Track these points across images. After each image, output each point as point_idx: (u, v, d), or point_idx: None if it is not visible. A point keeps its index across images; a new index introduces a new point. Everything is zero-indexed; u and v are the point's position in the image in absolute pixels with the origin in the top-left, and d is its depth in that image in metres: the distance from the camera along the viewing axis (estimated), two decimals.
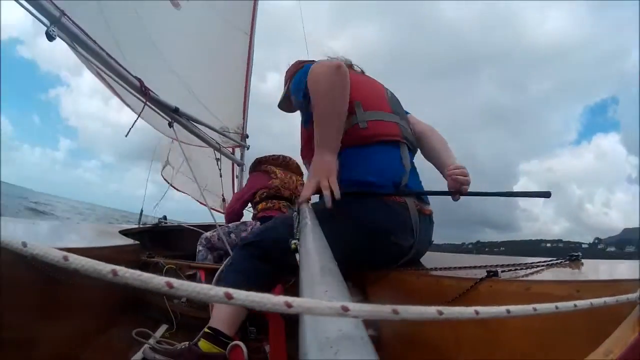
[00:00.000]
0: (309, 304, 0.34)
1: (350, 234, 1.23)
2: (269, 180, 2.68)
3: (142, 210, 3.68)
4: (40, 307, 1.20)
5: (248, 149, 4.05)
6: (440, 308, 0.37)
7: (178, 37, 2.97)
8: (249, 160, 3.97)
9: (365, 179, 1.28)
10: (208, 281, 2.38)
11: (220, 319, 1.28)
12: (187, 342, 1.30)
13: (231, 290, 0.34)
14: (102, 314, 1.67)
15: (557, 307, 0.48)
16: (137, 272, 0.32)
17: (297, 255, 0.74)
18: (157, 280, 0.32)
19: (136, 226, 3.28)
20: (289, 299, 0.35)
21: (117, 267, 0.32)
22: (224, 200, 4.17)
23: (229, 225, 2.71)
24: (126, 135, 2.20)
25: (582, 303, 0.51)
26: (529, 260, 1.15)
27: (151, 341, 1.52)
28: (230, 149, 3.93)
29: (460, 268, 1.19)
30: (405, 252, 1.36)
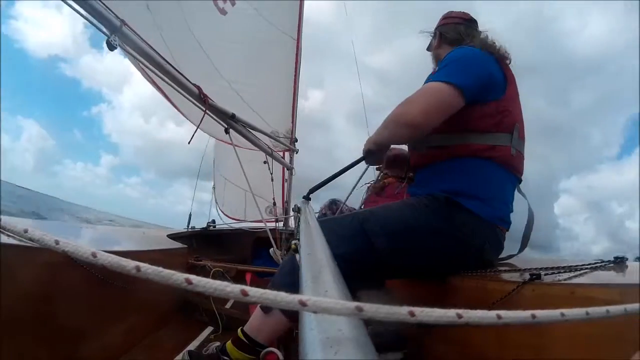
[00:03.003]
0: (324, 304, 0.35)
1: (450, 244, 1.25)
2: None
3: (190, 214, 3.83)
4: (89, 307, 1.27)
5: (297, 152, 4.08)
6: (460, 311, 0.35)
7: (226, 43, 3.01)
8: (297, 164, 4.00)
9: (492, 204, 1.27)
10: (255, 283, 2.45)
11: (253, 324, 1.24)
12: (219, 344, 1.29)
13: (247, 288, 0.35)
14: (153, 316, 1.74)
15: (608, 312, 0.46)
16: (159, 269, 0.34)
17: (297, 256, 0.75)
18: (176, 277, 0.34)
19: (185, 230, 3.41)
20: (304, 297, 0.35)
21: (141, 264, 0.34)
22: (275, 204, 4.24)
23: None
24: (189, 142, 2.34)
25: (632, 307, 0.48)
26: (573, 262, 1.09)
27: (195, 343, 1.58)
28: (280, 153, 3.99)
29: (505, 271, 1.16)
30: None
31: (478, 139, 1.26)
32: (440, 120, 1.20)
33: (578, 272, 0.98)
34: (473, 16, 1.52)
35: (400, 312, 0.35)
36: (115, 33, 1.51)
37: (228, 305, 2.11)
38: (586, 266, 1.02)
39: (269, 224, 2.99)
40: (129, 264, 0.33)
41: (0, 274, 0.89)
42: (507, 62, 1.36)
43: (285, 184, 4.24)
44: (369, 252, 1.20)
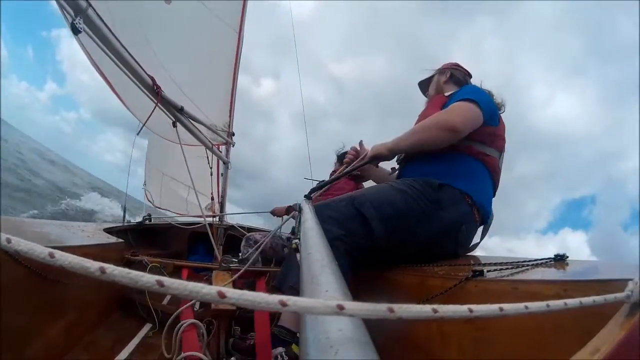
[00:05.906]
0: (304, 303, 0.34)
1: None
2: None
3: (125, 208, 3.65)
4: (30, 305, 1.20)
5: (233, 146, 4.01)
6: (435, 306, 0.36)
7: (168, 32, 2.86)
8: (233, 159, 3.95)
9: (476, 189, 1.46)
10: (192, 279, 2.39)
11: (284, 317, 1.33)
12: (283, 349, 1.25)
13: (224, 289, 0.33)
14: (92, 313, 1.69)
15: (548, 306, 0.48)
16: (126, 270, 0.31)
17: (297, 255, 0.73)
18: (147, 279, 0.31)
19: (120, 224, 3.26)
20: (284, 297, 0.34)
21: (105, 265, 0.31)
22: (213, 199, 4.12)
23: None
24: (137, 134, 2.23)
25: (572, 302, 0.50)
26: (516, 259, 1.12)
27: (135, 341, 1.58)
28: (216, 147, 3.88)
29: (450, 266, 1.17)
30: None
31: (477, 145, 1.50)
32: (471, 130, 1.43)
33: (521, 269, 1.00)
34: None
35: (380, 309, 0.35)
36: (80, 15, 1.33)
37: (165, 302, 2.08)
38: (529, 263, 1.05)
39: (207, 219, 2.94)
40: (93, 265, 0.30)
41: None
42: (501, 110, 1.66)
43: (221, 178, 4.12)
44: (368, 235, 1.28)
